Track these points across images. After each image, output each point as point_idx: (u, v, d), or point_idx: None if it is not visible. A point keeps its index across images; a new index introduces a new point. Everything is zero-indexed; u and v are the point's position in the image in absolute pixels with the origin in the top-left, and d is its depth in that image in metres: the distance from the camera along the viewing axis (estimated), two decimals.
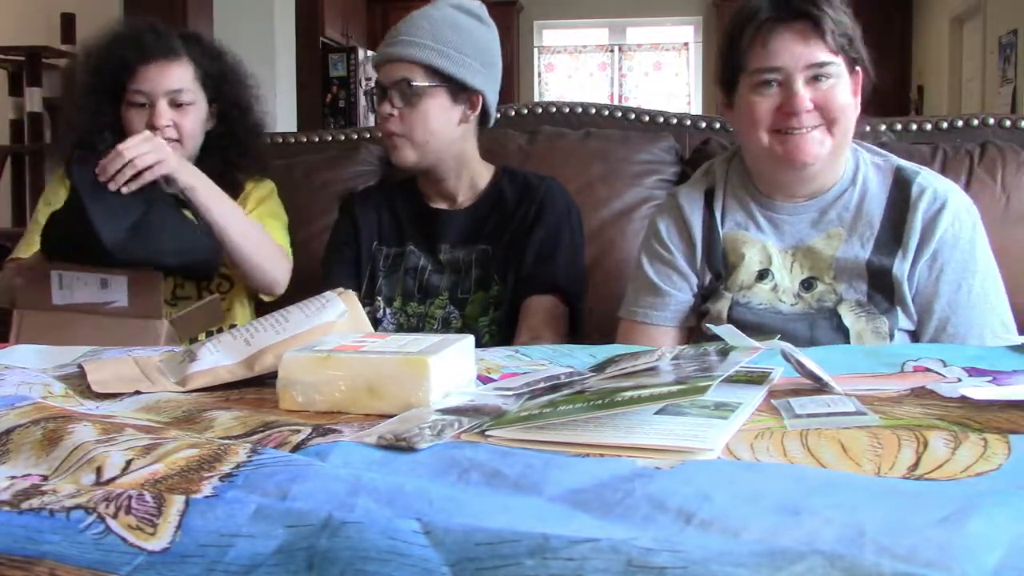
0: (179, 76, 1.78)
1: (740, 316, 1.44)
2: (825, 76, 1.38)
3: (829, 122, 1.39)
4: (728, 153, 1.59)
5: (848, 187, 1.46)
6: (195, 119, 1.81)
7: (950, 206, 1.41)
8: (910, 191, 1.43)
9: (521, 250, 1.68)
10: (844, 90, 1.40)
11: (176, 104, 1.77)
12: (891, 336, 1.40)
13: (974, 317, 1.40)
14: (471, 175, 1.75)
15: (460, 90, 1.67)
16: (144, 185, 1.61)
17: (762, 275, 1.46)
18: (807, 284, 1.44)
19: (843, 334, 1.40)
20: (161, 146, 1.65)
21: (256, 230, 1.79)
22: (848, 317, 1.41)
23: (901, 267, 1.40)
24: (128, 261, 1.59)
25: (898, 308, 1.40)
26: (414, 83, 1.63)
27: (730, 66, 1.44)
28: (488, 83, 1.71)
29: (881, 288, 1.41)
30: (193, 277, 1.82)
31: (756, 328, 1.40)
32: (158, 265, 1.63)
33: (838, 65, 1.39)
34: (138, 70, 1.76)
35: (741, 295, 1.46)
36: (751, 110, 1.41)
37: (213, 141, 1.85)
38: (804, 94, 1.37)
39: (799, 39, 1.37)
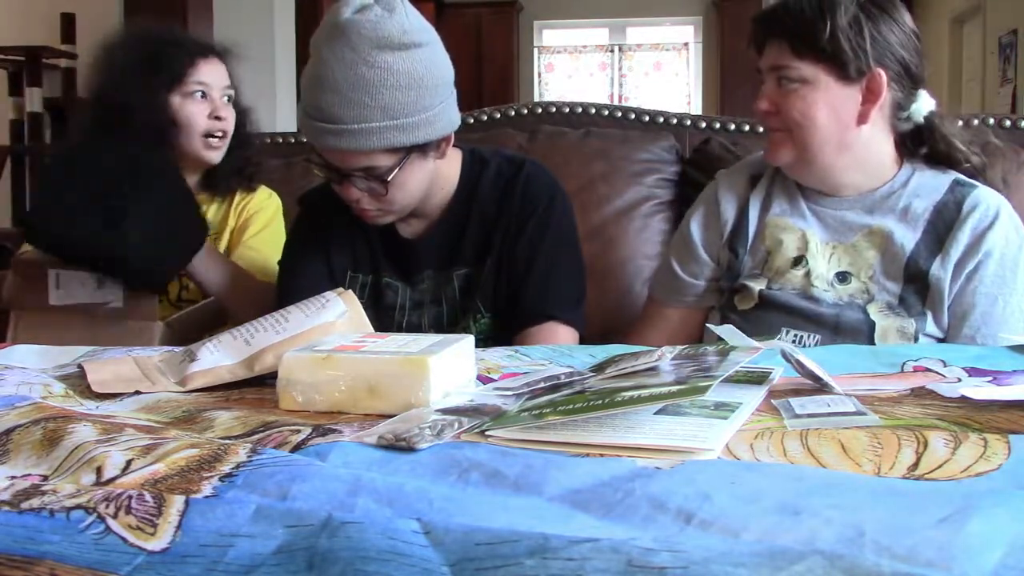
0: (228, 76, 1.86)
1: (771, 298, 1.48)
2: None
3: None
4: None
5: (899, 188, 1.48)
6: (234, 118, 1.87)
7: (1001, 223, 1.44)
8: (964, 202, 1.46)
9: (509, 271, 1.51)
10: None
11: (228, 100, 1.84)
12: (915, 339, 1.41)
13: (1006, 332, 1.41)
14: (440, 180, 1.53)
15: (429, 145, 1.43)
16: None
17: (797, 261, 1.49)
18: (841, 277, 1.46)
19: (868, 328, 1.42)
20: None
21: (245, 288, 1.74)
22: (876, 317, 1.43)
23: (939, 271, 1.42)
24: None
25: (928, 313, 1.42)
26: (378, 166, 1.39)
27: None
28: (452, 112, 1.44)
29: (915, 291, 1.43)
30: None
31: (784, 310, 1.46)
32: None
33: None
34: (199, 62, 1.80)
35: (775, 280, 1.49)
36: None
37: (232, 140, 1.89)
38: None
39: None
